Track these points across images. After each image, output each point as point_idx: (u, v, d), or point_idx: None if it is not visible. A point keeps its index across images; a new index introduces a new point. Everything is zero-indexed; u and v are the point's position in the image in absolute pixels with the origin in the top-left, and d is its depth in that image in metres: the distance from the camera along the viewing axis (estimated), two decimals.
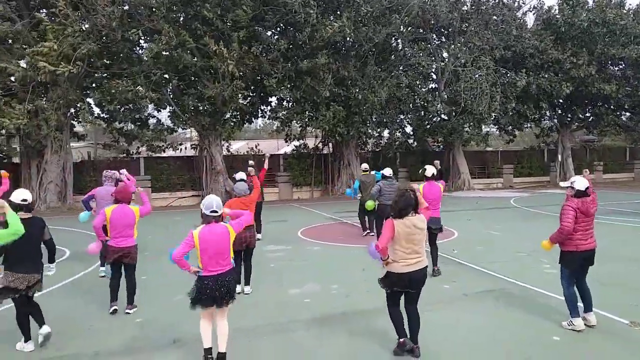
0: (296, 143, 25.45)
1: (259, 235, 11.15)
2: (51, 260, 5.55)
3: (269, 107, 24.77)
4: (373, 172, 11.93)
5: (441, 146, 28.86)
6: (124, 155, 23.48)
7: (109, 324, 6.06)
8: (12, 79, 18.51)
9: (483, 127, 26.93)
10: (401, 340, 4.92)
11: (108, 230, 6.43)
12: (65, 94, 19.15)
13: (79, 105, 20.76)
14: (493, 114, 25.10)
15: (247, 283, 7.36)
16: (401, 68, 24.75)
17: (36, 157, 20.23)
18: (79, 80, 19.74)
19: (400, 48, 24.95)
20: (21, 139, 19.62)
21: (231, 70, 18.92)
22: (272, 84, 20.41)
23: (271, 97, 23.85)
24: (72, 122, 21.91)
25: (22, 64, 18.20)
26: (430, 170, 7.97)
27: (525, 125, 30.86)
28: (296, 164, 25.05)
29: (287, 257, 9.96)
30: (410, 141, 27.88)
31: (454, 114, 24.78)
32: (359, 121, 22.69)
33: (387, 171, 10.27)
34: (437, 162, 8.94)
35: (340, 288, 7.52)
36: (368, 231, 11.86)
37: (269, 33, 22.03)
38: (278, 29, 22.44)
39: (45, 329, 5.25)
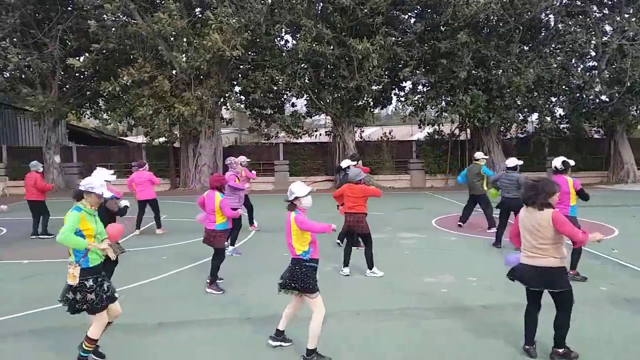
0: (430, 129, 24.65)
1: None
2: None
3: (402, 92, 24.32)
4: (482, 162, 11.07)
5: (601, 131, 25.59)
6: (265, 139, 24.95)
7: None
8: (174, 72, 20.70)
9: None
10: (526, 347, 4.59)
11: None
12: (218, 84, 20.94)
13: (227, 94, 22.61)
14: None
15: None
16: (552, 46, 22.41)
17: (192, 142, 22.43)
18: (228, 72, 21.45)
19: (552, 24, 22.58)
20: (181, 125, 21.90)
21: (375, 65, 18.99)
22: (406, 72, 20.01)
23: (405, 82, 23.37)
24: (222, 109, 23.92)
25: (183, 57, 20.18)
26: (557, 161, 7.09)
27: None
28: (430, 151, 24.29)
29: (422, 245, 9.70)
30: (562, 126, 25.13)
31: (617, 94, 21.74)
32: (501, 106, 21.09)
33: (510, 162, 9.39)
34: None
35: (480, 280, 7.13)
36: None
37: (405, 16, 21.55)
38: (415, 11, 21.83)
39: None
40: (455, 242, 10.02)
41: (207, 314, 5.90)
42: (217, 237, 6.76)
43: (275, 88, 22.11)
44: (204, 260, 8.14)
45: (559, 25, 22.08)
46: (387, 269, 7.58)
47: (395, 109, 28.62)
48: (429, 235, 10.73)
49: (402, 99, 23.80)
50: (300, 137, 24.61)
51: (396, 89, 24.16)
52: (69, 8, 20.99)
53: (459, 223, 11.53)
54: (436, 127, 24.02)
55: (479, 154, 11.37)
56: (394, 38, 19.74)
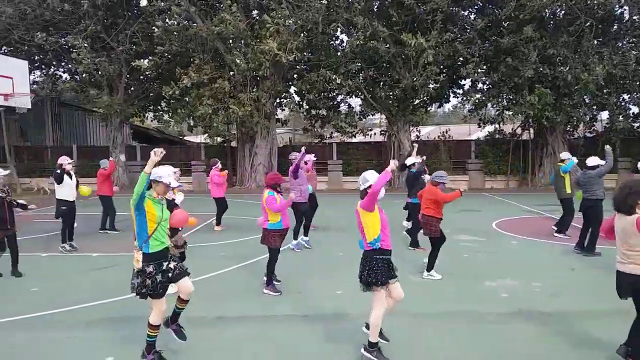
0: (490, 128, 23.81)
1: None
2: None
3: (461, 90, 23.68)
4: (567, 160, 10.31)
5: None
6: (319, 140, 25.07)
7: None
8: (231, 73, 21.20)
9: None
10: None
11: None
12: (274, 85, 21.25)
13: (283, 95, 22.92)
14: None
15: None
16: (626, 40, 21.03)
17: (249, 141, 22.90)
18: (284, 72, 21.72)
19: (626, 17, 21.18)
20: (238, 125, 22.40)
21: (430, 61, 18.62)
22: (468, 70, 19.45)
23: (464, 79, 22.74)
24: (277, 109, 24.26)
25: (239, 60, 20.61)
26: None
27: None
28: (490, 151, 23.48)
29: (481, 248, 9.39)
30: (636, 125, 23.45)
31: None
32: (568, 104, 20.03)
33: (591, 161, 8.81)
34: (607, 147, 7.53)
35: (545, 286, 6.80)
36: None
37: (465, 12, 20.98)
38: (476, 7, 21.19)
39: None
40: (517, 246, 9.62)
41: (264, 311, 5.98)
42: (268, 236, 6.65)
43: (330, 88, 22.15)
44: (260, 257, 8.26)
45: (635, 18, 20.67)
46: (445, 272, 7.40)
47: (454, 108, 27.87)
48: (488, 238, 10.37)
49: (461, 97, 23.16)
50: (354, 137, 24.52)
51: (454, 86, 23.55)
52: (136, 13, 21.98)
53: (554, 228, 10.72)
54: (497, 126, 23.19)
55: (564, 154, 10.49)
56: (451, 34, 19.21)
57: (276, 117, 24.71)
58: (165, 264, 4.39)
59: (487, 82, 21.50)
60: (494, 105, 21.79)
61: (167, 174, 4.46)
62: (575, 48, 19.58)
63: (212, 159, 12.23)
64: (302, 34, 19.38)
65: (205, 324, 5.50)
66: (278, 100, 23.62)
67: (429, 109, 24.16)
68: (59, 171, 9.08)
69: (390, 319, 5.43)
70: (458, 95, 23.75)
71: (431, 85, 21.40)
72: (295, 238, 9.19)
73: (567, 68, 19.55)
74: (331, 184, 22.84)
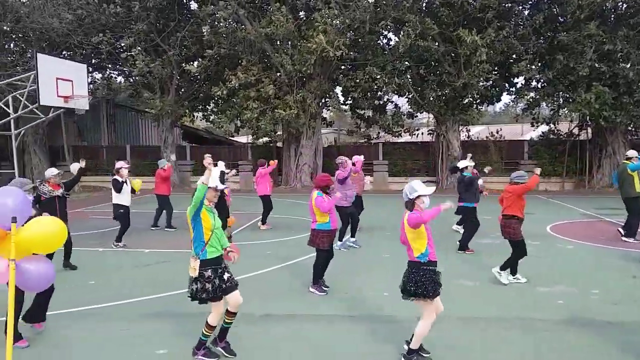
0: (544, 128, 22.89)
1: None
2: None
3: (513, 89, 22.90)
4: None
5: None
6: (364, 140, 24.89)
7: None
8: (278, 74, 21.40)
9: None
10: None
11: None
12: (320, 86, 21.30)
13: (328, 95, 22.92)
14: None
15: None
16: None
17: (294, 142, 23.05)
18: (330, 72, 21.72)
19: None
20: (284, 126, 22.61)
21: (483, 59, 18.13)
22: (521, 68, 18.78)
23: (517, 77, 21.98)
24: (322, 110, 24.30)
25: (286, 62, 20.76)
26: None
27: None
28: (544, 152, 22.55)
29: (535, 253, 8.97)
30: None
31: None
32: (629, 103, 18.94)
33: None
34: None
35: (603, 294, 6.45)
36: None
37: (519, 8, 20.26)
38: (530, 2, 20.44)
39: None
40: (573, 251, 9.19)
41: (309, 310, 5.97)
42: (317, 237, 6.59)
43: (376, 87, 21.97)
44: (305, 257, 8.28)
45: None
46: (495, 278, 7.13)
47: (505, 107, 26.97)
48: (542, 242, 9.94)
49: (514, 95, 22.38)
50: (400, 136, 24.18)
51: (507, 85, 22.80)
52: (186, 16, 22.59)
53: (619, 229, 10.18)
54: (552, 125, 22.25)
55: (632, 152, 9.89)
56: (505, 32, 18.59)
57: (321, 117, 24.74)
58: (220, 270, 4.49)
59: (542, 80, 20.66)
60: (549, 104, 20.91)
61: (214, 177, 4.59)
62: (638, 43, 18.49)
63: (260, 159, 12.42)
64: (348, 33, 19.30)
65: (251, 322, 5.54)
66: (323, 101, 23.65)
67: (480, 108, 23.46)
68: (118, 178, 9.43)
69: (438, 323, 5.32)
70: (511, 93, 22.96)
71: (482, 84, 20.81)
72: (341, 239, 9.17)
73: (629, 64, 18.49)
74: (376, 184, 22.63)
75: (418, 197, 4.39)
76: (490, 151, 22.92)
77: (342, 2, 19.20)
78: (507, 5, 19.41)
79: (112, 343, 5.05)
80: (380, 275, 7.41)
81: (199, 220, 4.44)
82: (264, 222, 11.81)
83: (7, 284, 3.50)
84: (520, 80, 22.10)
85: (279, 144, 24.56)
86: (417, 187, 4.42)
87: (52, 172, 7.79)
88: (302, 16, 21.74)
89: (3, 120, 13.29)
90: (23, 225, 3.57)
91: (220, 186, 4.64)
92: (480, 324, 5.46)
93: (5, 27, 18.63)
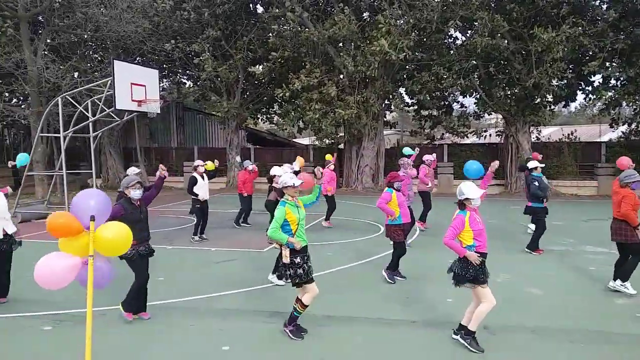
0: (625, 128, 21.34)
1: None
2: None
3: (589, 88, 21.57)
4: None
5: None
6: (428, 142, 24.35)
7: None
8: (341, 76, 21.44)
9: None
10: None
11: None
12: (383, 86, 21.11)
13: (391, 95, 22.65)
14: None
15: None
16: None
17: (356, 143, 22.97)
18: (393, 73, 21.46)
19: None
20: (346, 127, 22.60)
21: (559, 56, 17.24)
22: (594, 66, 17.65)
23: (593, 76, 20.66)
24: (385, 111, 24.05)
25: (348, 63, 20.74)
26: None
27: None
28: (624, 154, 20.83)
29: (612, 261, 8.37)
30: None
31: None
32: None
33: None
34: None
35: None
36: None
37: (596, 3, 19.03)
38: None
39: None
40: None
41: (371, 313, 5.90)
42: (390, 231, 7.20)
43: (442, 87, 21.42)
44: (366, 260, 8.21)
45: None
46: (567, 285, 6.76)
47: (581, 107, 25.39)
48: None
49: (590, 95, 21.04)
50: (467, 137, 23.44)
51: (583, 84, 21.49)
52: (252, 21, 23.15)
53: None
54: (634, 126, 20.72)
55: None
56: (580, 27, 17.53)
57: (384, 119, 24.45)
58: (306, 257, 5.01)
59: (622, 78, 19.29)
60: (630, 104, 19.48)
61: (290, 177, 5.13)
62: None
63: (326, 160, 12.61)
64: (413, 33, 18.95)
65: (313, 322, 5.54)
66: (386, 102, 23.39)
67: (553, 108, 22.25)
68: (195, 175, 10.19)
69: (507, 332, 5.13)
70: (586, 93, 21.62)
71: (555, 82, 19.71)
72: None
73: None
74: (441, 187, 22.03)
75: (467, 199, 4.77)
76: (564, 153, 21.68)
77: (408, 2, 18.91)
78: (581, 1, 18.28)
79: (178, 338, 5.22)
80: (444, 280, 7.15)
81: (286, 223, 4.97)
82: (326, 218, 12.13)
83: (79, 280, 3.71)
84: (597, 79, 20.76)
85: (341, 146, 24.58)
86: (465, 190, 4.79)
87: (133, 171, 8.21)
88: (365, 17, 21.65)
89: (82, 124, 14.18)
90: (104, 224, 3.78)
91: (297, 182, 5.06)
92: (549, 335, 5.17)
93: (85, 36, 19.91)
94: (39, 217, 13.54)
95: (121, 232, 3.82)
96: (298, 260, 4.92)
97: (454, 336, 4.98)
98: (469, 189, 4.77)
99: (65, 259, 3.65)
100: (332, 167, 12.11)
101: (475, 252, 4.70)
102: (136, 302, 5.64)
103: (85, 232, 3.66)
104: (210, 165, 10.91)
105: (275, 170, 7.92)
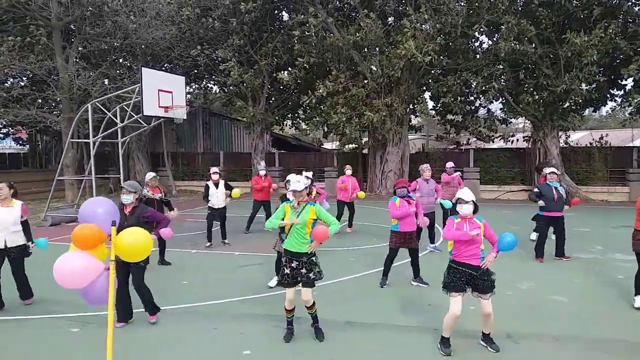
0: None
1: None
2: None
3: (620, 92, 20.99)
4: None
5: None
6: (454, 147, 24.09)
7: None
8: (365, 81, 21.42)
9: None
10: None
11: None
12: (408, 90, 21.01)
13: (416, 100, 22.51)
14: None
15: None
16: None
17: (380, 148, 22.91)
18: (419, 77, 21.34)
19: None
20: (370, 132, 22.57)
21: (593, 60, 16.87)
22: (632, 70, 17.17)
23: (625, 80, 20.12)
24: (410, 116, 23.92)
25: (374, 65, 20.74)
26: None
27: None
28: None
29: None
30: None
31: None
32: None
33: None
34: None
35: None
36: None
37: (628, 3, 18.53)
38: None
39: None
40: None
41: (391, 320, 5.88)
42: (390, 236, 7.30)
43: (468, 92, 21.13)
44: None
45: None
46: (594, 293, 6.60)
47: (612, 111, 24.70)
48: None
49: (621, 99, 20.48)
50: (493, 142, 23.10)
51: (614, 88, 20.95)
52: (277, 27, 23.40)
53: None
54: None
55: None
56: (612, 30, 17.10)
57: (409, 123, 24.33)
58: (292, 261, 5.19)
59: None
60: None
61: (295, 181, 5.31)
62: None
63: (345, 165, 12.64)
64: (438, 38, 18.83)
65: (337, 327, 5.56)
66: (411, 107, 23.25)
67: (583, 113, 21.74)
68: (209, 183, 10.26)
69: (530, 340, 5.06)
70: (616, 97, 21.08)
71: (585, 87, 19.27)
72: (432, 242, 9.78)
73: None
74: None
75: (457, 200, 4.91)
76: (594, 159, 21.14)
77: (433, 7, 18.80)
78: (613, 2, 17.84)
79: (201, 341, 5.31)
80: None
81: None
82: (349, 225, 12.20)
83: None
84: (629, 83, 20.19)
85: (365, 151, 24.56)
86: (458, 194, 4.97)
87: (149, 175, 8.49)
88: (390, 22, 21.62)
89: (111, 130, 14.56)
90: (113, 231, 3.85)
91: (298, 187, 5.16)
92: (574, 344, 5.08)
93: (115, 44, 20.46)
94: (69, 221, 13.98)
95: (142, 237, 3.90)
96: (283, 260, 5.28)
97: (481, 342, 5.08)
98: (462, 193, 4.93)
99: (87, 258, 3.71)
100: (349, 172, 12.18)
101: (452, 259, 4.87)
102: (124, 308, 5.71)
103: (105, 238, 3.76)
104: (236, 192, 10.43)
105: (290, 177, 7.85)
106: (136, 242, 3.84)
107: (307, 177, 7.88)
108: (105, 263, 3.81)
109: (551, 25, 18.11)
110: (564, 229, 8.86)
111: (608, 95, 21.34)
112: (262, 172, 12.08)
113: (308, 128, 24.14)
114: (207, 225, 10.48)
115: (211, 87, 28.18)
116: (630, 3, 18.60)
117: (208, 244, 10.42)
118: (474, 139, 23.09)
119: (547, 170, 9.20)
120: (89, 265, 3.67)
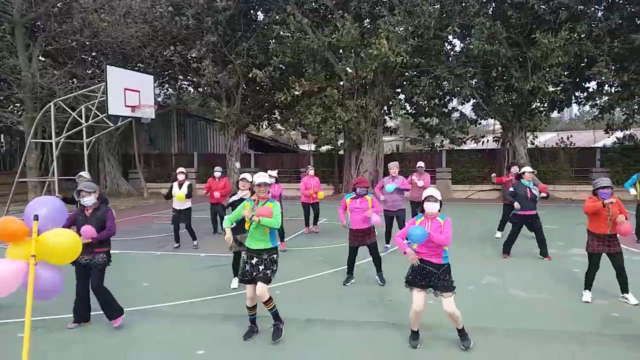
0: (620, 134, 21.35)
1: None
2: None
3: (584, 94, 21.60)
4: None
5: None
6: (429, 148, 24.37)
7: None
8: (340, 83, 21.46)
9: None
10: None
11: None
12: (382, 92, 21.15)
13: (391, 102, 22.67)
14: None
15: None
16: None
17: (355, 149, 23.01)
18: (392, 79, 21.50)
19: None
20: (345, 133, 22.64)
21: (559, 62, 17.30)
22: (597, 70, 17.67)
23: (588, 82, 20.68)
24: (384, 117, 24.07)
25: (349, 67, 20.79)
26: None
27: None
28: (618, 159, 21.03)
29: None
30: None
31: None
32: None
33: None
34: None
35: None
36: None
37: (592, 9, 19.07)
38: (604, 3, 19.19)
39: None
40: None
41: (354, 316, 5.91)
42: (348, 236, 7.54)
43: (441, 93, 21.35)
44: (358, 262, 8.20)
45: None
46: (551, 287, 6.82)
47: (580, 113, 25.42)
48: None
49: (584, 100, 21.08)
50: (464, 144, 23.46)
51: (577, 89, 21.51)
52: (252, 27, 23.22)
53: None
54: (630, 132, 20.75)
55: None
56: (577, 33, 17.56)
57: (385, 125, 24.49)
58: (252, 258, 5.22)
59: (616, 84, 19.30)
60: (623, 109, 19.48)
61: (258, 176, 5.32)
62: None
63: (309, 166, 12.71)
64: (411, 39, 19.03)
65: (294, 326, 5.55)
66: (385, 108, 23.42)
67: (549, 114, 22.27)
68: (174, 183, 10.11)
69: (481, 334, 5.13)
70: (580, 99, 21.67)
71: (551, 88, 19.72)
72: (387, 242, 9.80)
73: None
74: (440, 192, 22.01)
75: (426, 198, 5.02)
76: (560, 159, 21.67)
77: (406, 9, 18.98)
78: (579, 7, 18.34)
79: (155, 342, 5.25)
80: None
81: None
82: (314, 223, 12.30)
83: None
84: (592, 85, 20.80)
85: (341, 152, 24.65)
86: (428, 191, 5.10)
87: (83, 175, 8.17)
88: (365, 24, 21.72)
89: (75, 129, 14.26)
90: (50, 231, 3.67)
91: (257, 181, 5.23)
92: (526, 337, 5.19)
93: (85, 42, 19.95)
94: None
95: (68, 239, 3.69)
96: (244, 257, 5.31)
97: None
98: (428, 192, 5.08)
99: (11, 264, 3.52)
100: (312, 172, 12.28)
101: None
102: (79, 310, 5.68)
103: (29, 238, 3.54)
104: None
105: (246, 175, 7.58)
106: (61, 244, 3.65)
107: (271, 176, 7.82)
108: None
109: (520, 27, 18.50)
110: (541, 227, 9.00)
111: (573, 97, 21.91)
112: (217, 174, 11.44)
113: (283, 129, 24.07)
114: (173, 227, 10.39)
115: (186, 88, 27.84)
116: (594, 8, 19.13)
117: (176, 245, 10.31)
118: (447, 141, 23.39)
119: (528, 169, 9.30)
120: (13, 270, 3.50)
